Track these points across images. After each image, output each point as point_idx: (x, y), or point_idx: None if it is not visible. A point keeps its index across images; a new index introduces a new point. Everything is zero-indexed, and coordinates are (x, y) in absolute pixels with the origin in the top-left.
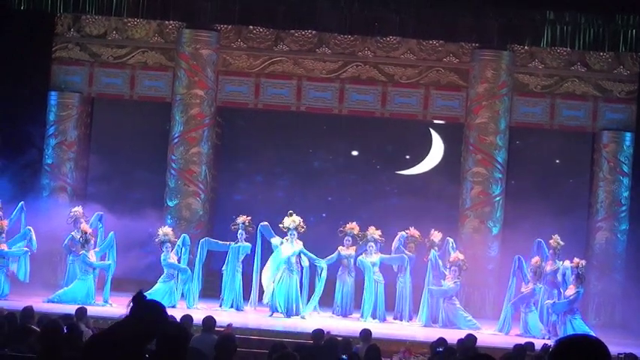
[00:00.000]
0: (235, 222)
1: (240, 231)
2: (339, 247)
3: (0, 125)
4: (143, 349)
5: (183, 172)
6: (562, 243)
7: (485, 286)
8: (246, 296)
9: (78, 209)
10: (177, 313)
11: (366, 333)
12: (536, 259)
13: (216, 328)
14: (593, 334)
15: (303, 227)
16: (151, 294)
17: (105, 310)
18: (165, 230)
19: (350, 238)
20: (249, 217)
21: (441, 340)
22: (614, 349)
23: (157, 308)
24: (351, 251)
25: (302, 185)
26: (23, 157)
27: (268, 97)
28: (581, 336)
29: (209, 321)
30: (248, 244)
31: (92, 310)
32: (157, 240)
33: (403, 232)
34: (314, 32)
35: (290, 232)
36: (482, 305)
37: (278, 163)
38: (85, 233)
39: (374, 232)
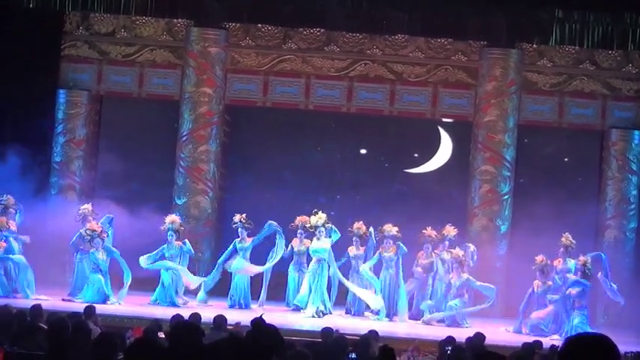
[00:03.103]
0: (234, 221)
1: (239, 229)
2: (349, 248)
3: (9, 123)
4: None
5: (192, 170)
6: (574, 241)
7: (493, 284)
8: (254, 295)
9: (87, 207)
10: (185, 312)
11: (372, 333)
12: (541, 258)
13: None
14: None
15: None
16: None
17: (114, 308)
18: (172, 218)
19: (357, 239)
20: (244, 215)
21: (450, 339)
22: (622, 348)
23: (275, 335)
24: (361, 252)
25: (310, 183)
26: (32, 155)
27: (277, 95)
28: (590, 335)
29: (219, 319)
30: (249, 244)
31: (101, 309)
32: (162, 228)
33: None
34: (322, 30)
35: (318, 230)
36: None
37: (286, 161)
38: (93, 231)
39: (391, 229)
